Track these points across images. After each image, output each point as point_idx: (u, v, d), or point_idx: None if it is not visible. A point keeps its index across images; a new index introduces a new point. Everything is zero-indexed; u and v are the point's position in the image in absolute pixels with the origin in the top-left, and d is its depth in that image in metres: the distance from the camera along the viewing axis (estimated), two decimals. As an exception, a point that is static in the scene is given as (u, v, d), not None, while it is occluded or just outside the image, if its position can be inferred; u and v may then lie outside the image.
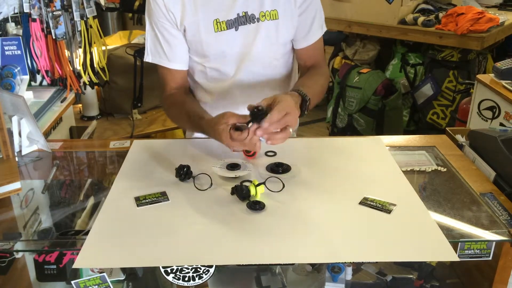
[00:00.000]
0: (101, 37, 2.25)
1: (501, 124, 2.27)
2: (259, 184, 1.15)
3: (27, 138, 1.44)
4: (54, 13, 2.06)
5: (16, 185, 1.22)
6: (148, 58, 1.42)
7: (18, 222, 1.20)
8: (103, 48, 2.32)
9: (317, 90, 1.40)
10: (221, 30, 1.35)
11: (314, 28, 1.46)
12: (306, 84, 1.37)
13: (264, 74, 1.44)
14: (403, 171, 1.30)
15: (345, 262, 1.19)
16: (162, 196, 1.18)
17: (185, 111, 1.37)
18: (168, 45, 1.37)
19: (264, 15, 1.36)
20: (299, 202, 1.15)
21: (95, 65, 2.29)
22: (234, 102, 1.46)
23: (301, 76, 1.53)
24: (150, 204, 1.15)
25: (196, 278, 1.00)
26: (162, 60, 1.39)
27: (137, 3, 2.55)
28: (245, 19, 1.35)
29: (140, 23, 3.02)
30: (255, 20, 1.36)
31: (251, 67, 1.41)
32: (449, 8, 3.38)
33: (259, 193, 1.15)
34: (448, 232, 1.06)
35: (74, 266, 0.97)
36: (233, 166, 1.26)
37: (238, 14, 1.35)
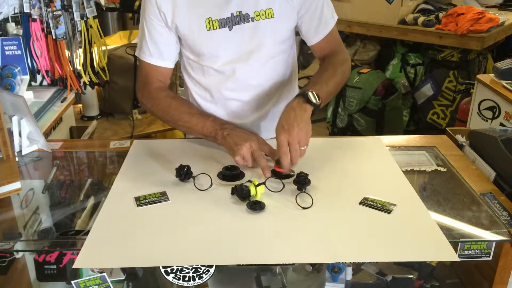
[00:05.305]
0: (101, 37, 2.24)
1: (501, 124, 2.27)
2: (259, 184, 1.15)
3: (27, 138, 1.44)
4: (54, 13, 2.06)
5: (16, 185, 1.22)
6: (136, 51, 1.45)
7: (18, 222, 1.20)
8: (103, 48, 2.32)
9: (333, 81, 1.39)
10: (213, 29, 1.35)
11: (323, 21, 1.43)
12: (318, 81, 1.36)
13: (262, 72, 1.44)
14: (403, 171, 1.30)
15: (345, 262, 1.19)
16: (162, 196, 1.18)
17: (187, 106, 1.42)
18: (153, 42, 1.39)
19: (259, 14, 1.35)
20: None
21: (95, 65, 2.28)
22: (232, 98, 1.46)
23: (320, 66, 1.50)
24: (150, 204, 1.15)
25: (196, 278, 1.00)
26: (145, 55, 1.41)
27: (137, 3, 2.55)
28: (239, 18, 1.35)
29: (140, 23, 3.02)
30: (250, 19, 1.35)
31: (248, 66, 1.41)
32: (449, 8, 3.38)
33: (259, 193, 1.15)
34: (448, 232, 1.06)
35: (74, 266, 0.97)
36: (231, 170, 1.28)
37: (232, 14, 1.34)
